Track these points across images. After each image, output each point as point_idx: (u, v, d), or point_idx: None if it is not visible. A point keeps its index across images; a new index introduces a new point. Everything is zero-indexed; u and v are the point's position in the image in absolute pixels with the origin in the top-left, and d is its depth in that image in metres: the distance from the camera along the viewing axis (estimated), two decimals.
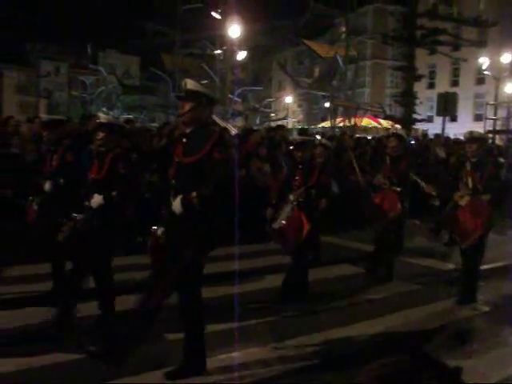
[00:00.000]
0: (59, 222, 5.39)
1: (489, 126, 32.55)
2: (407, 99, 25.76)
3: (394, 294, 6.51)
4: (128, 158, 5.04)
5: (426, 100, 37.26)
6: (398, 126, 20.56)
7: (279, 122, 23.53)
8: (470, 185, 5.86)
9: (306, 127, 25.99)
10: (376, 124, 26.81)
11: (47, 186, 5.63)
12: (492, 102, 34.03)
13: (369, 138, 16.56)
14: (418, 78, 26.27)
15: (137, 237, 7.70)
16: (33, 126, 8.71)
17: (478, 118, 38.66)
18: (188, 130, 3.96)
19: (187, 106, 3.88)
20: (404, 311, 5.83)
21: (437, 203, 6.74)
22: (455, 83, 41.70)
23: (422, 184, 6.97)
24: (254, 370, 4.22)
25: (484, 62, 34.23)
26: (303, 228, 5.85)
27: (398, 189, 6.66)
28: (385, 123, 26.42)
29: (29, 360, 4.22)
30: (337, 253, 8.48)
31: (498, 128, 33.20)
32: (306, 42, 32.69)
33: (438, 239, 9.47)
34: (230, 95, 27.73)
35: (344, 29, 30.23)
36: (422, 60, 31.01)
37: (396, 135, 7.08)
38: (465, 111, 37.15)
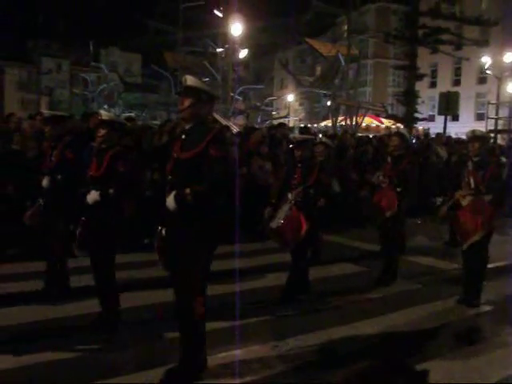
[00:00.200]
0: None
1: (490, 125, 32.54)
2: (409, 98, 25.78)
3: (395, 292, 6.50)
4: (127, 156, 5.02)
5: (427, 99, 37.25)
6: (399, 125, 20.56)
7: (281, 121, 23.50)
8: (472, 184, 5.83)
9: (307, 126, 25.94)
10: (378, 123, 26.77)
11: (45, 181, 5.63)
12: (494, 102, 33.99)
13: (370, 136, 16.53)
14: (420, 77, 26.28)
15: (143, 238, 7.72)
16: (34, 122, 8.70)
17: (480, 117, 38.64)
18: (187, 127, 3.95)
19: (187, 102, 3.86)
20: (405, 310, 5.82)
21: (438, 202, 6.71)
22: (457, 82, 41.68)
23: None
24: (255, 368, 4.21)
25: (486, 61, 34.20)
26: (301, 227, 5.81)
27: (398, 189, 6.62)
28: (386, 122, 26.39)
29: (26, 358, 4.22)
30: (338, 251, 8.47)
31: (499, 127, 33.21)
32: (308, 40, 32.63)
33: (439, 238, 9.46)
34: (231, 93, 27.69)
35: (346, 27, 30.19)
36: (424, 59, 30.98)
37: (398, 134, 7.05)
38: (466, 110, 37.11)
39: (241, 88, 31.44)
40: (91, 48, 44.01)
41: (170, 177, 3.95)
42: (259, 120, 33.39)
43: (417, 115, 26.59)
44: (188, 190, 3.68)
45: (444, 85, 38.20)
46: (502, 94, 34.07)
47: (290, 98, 44.10)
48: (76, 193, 5.19)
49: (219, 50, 30.45)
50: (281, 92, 49.60)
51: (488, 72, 35.15)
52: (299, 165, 6.10)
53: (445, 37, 25.73)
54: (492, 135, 25.70)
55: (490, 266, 6.20)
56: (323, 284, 6.60)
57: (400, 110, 31.31)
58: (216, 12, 28.11)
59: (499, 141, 26.43)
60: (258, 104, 37.56)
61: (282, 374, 4.16)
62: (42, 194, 5.72)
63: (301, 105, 52.53)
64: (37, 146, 7.73)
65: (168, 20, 30.88)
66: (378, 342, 4.96)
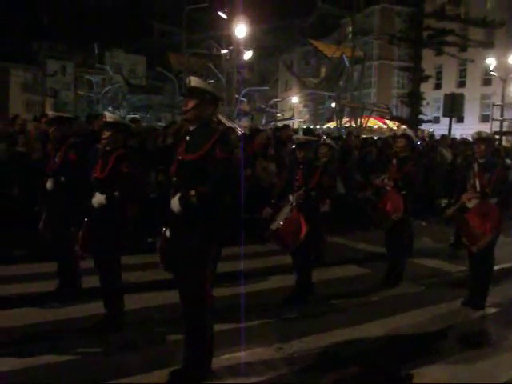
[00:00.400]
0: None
1: (495, 127, 32.44)
2: (413, 100, 25.77)
3: (400, 295, 6.48)
4: (132, 158, 5.02)
5: (432, 101, 37.20)
6: (403, 127, 20.52)
7: (285, 122, 23.51)
8: (478, 187, 5.79)
9: (311, 127, 25.96)
10: (382, 125, 26.76)
11: (49, 183, 5.63)
12: (499, 103, 33.92)
13: (375, 138, 16.51)
14: (425, 78, 26.27)
15: (147, 237, 7.71)
16: (39, 124, 8.73)
17: (485, 119, 38.54)
18: (191, 128, 3.94)
19: (191, 104, 3.84)
20: (410, 312, 5.79)
21: (443, 204, 6.66)
22: (462, 84, 41.58)
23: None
24: (259, 370, 4.20)
25: (491, 62, 34.13)
26: (301, 230, 5.75)
27: (403, 192, 6.59)
28: (391, 124, 26.37)
29: (30, 360, 4.22)
30: (342, 253, 8.45)
31: (504, 129, 33.11)
32: (312, 42, 32.67)
33: (444, 240, 9.42)
34: (236, 95, 27.72)
35: (350, 29, 30.20)
36: (429, 60, 30.97)
37: (404, 135, 6.98)
38: (471, 112, 37.07)
39: (245, 90, 31.47)
40: (96, 50, 44.08)
41: (174, 178, 3.93)
42: (264, 122, 33.39)
43: (421, 117, 26.57)
44: (193, 192, 3.66)
45: (449, 86, 38.12)
46: (507, 96, 33.99)
47: (295, 99, 44.10)
48: (79, 194, 5.20)
49: (224, 51, 30.47)
50: (285, 94, 49.60)
51: (493, 74, 35.09)
52: (301, 166, 6.09)
53: (449, 38, 25.71)
54: (497, 137, 25.63)
55: (495, 267, 6.17)
56: (327, 286, 6.58)
57: (404, 112, 31.31)
58: (220, 14, 28.17)
59: (504, 143, 26.35)
60: (263, 106, 37.57)
61: (286, 376, 4.15)
62: (46, 196, 5.73)
63: (305, 106, 52.53)
64: (42, 148, 7.75)
65: (173, 22, 30.94)
66: (383, 344, 4.94)
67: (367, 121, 24.56)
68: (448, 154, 12.88)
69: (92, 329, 4.81)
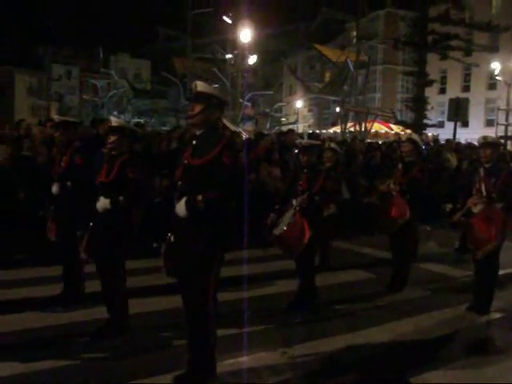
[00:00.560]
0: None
1: (500, 131, 32.40)
2: (418, 104, 25.78)
3: (404, 300, 6.45)
4: (137, 163, 5.02)
5: (437, 105, 37.21)
6: (408, 131, 20.51)
7: (290, 127, 23.52)
8: (484, 192, 5.76)
9: (315, 132, 25.95)
10: (387, 129, 26.74)
11: (55, 188, 5.65)
12: (503, 108, 33.85)
13: (380, 142, 16.50)
14: (430, 83, 26.26)
15: (152, 242, 7.70)
16: (44, 128, 8.76)
17: (490, 123, 38.51)
18: (198, 133, 3.94)
19: (197, 108, 3.84)
20: (415, 317, 5.76)
21: (447, 208, 6.64)
22: (466, 88, 41.56)
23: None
24: (263, 375, 4.19)
25: (496, 67, 34.09)
26: (305, 235, 5.73)
27: (408, 196, 6.56)
28: (396, 128, 26.34)
29: (33, 364, 4.21)
30: (347, 258, 8.43)
31: (509, 133, 33.03)
32: (317, 46, 32.66)
33: (449, 245, 9.39)
34: (240, 99, 27.75)
35: (355, 33, 30.21)
36: (434, 65, 30.96)
37: (410, 140, 6.95)
38: (476, 117, 37.00)
39: (250, 94, 31.47)
40: (101, 54, 44.26)
41: (179, 183, 3.93)
42: (268, 126, 33.42)
43: (426, 121, 26.56)
44: (200, 197, 3.66)
45: (453, 91, 38.08)
46: None
47: (299, 104, 44.15)
48: (85, 198, 5.20)
49: (228, 56, 30.51)
50: (290, 98, 49.64)
51: (498, 78, 35.04)
52: (305, 170, 6.07)
53: (454, 43, 25.72)
54: (502, 141, 25.57)
55: (500, 272, 6.14)
56: (332, 291, 6.57)
57: (409, 116, 31.26)
58: (225, 18, 28.24)
59: (509, 147, 26.30)
60: (267, 110, 37.61)
61: (290, 381, 4.14)
62: (52, 200, 5.74)
63: (310, 111, 52.59)
64: (47, 152, 7.77)
65: (177, 26, 31.01)
66: (387, 349, 4.92)
67: (372, 125, 24.52)
68: (453, 159, 12.86)
69: (95, 333, 4.81)
